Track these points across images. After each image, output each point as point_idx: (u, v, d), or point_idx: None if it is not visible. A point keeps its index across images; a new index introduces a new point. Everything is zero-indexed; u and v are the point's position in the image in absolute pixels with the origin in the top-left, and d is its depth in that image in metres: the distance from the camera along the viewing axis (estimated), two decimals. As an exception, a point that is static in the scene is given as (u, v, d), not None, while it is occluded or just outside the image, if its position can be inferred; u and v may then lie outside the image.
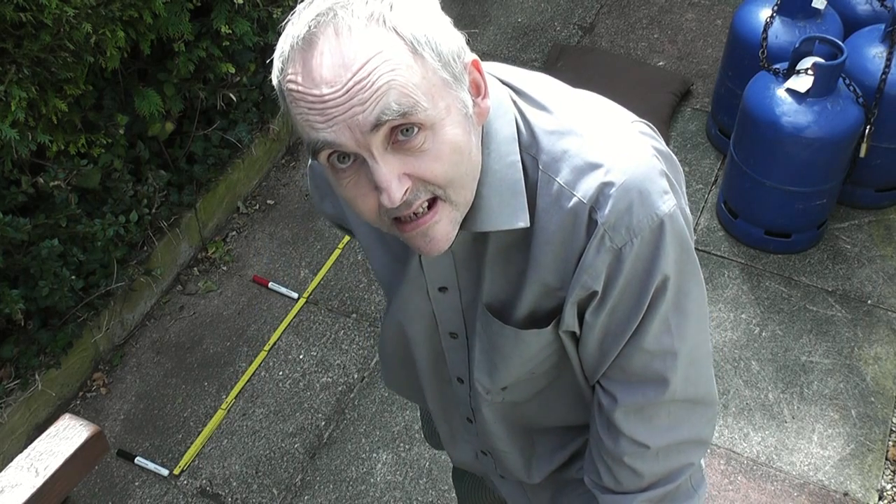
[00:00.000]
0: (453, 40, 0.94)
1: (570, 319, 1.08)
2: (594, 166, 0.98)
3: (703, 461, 1.21)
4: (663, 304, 1.04)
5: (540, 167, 1.00)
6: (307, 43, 0.89)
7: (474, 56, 0.97)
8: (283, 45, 0.92)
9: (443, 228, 0.97)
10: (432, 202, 0.96)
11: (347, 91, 0.88)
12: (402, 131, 0.91)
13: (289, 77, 0.91)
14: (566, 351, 1.15)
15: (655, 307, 1.04)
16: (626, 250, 0.99)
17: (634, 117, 1.07)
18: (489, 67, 1.05)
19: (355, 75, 0.87)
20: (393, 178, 0.91)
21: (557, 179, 1.00)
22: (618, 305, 1.04)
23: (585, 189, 0.98)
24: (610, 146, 0.99)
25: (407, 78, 0.89)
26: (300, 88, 0.90)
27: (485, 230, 1.02)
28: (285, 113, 0.96)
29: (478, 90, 0.98)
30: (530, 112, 1.02)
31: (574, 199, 0.99)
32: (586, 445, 1.26)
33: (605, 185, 0.97)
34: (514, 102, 1.03)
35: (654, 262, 1.00)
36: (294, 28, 0.91)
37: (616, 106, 1.08)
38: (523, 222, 1.00)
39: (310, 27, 0.89)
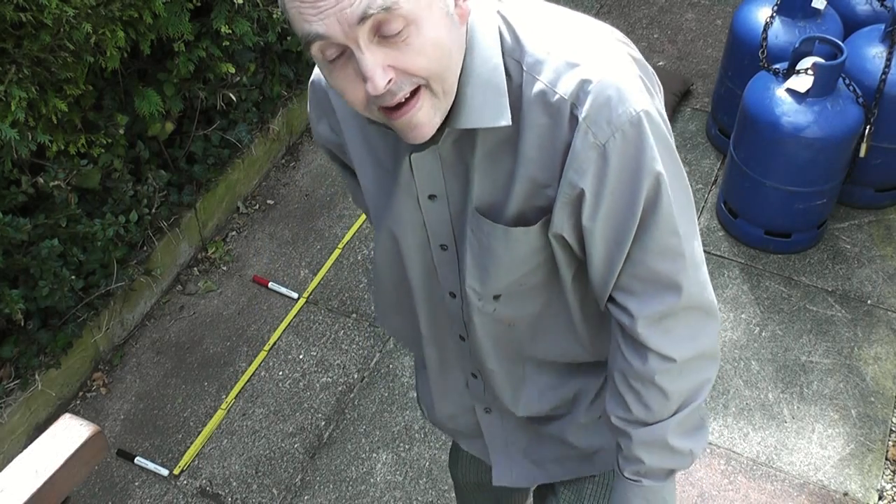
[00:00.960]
0: None
1: (559, 221, 1.10)
2: (574, 65, 1.04)
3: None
4: (663, 203, 1.07)
5: (524, 69, 1.06)
6: None
7: None
8: None
9: (426, 114, 1.03)
10: (415, 91, 1.01)
11: None
12: (388, 25, 0.97)
13: None
14: (557, 263, 1.18)
15: (656, 207, 1.07)
16: (609, 146, 1.03)
17: (613, 29, 1.14)
18: None
19: None
20: (377, 67, 0.97)
21: (540, 79, 1.05)
22: (613, 207, 1.07)
23: (566, 86, 1.03)
24: (589, 49, 1.06)
25: None
26: None
27: (468, 127, 1.07)
28: (282, 10, 1.01)
29: (460, 13, 1.03)
30: (514, 19, 1.08)
31: (556, 97, 1.04)
32: (572, 404, 1.34)
33: (584, 82, 1.03)
34: (499, 12, 1.08)
35: (640, 158, 1.04)
36: None
37: (596, 21, 1.14)
38: (505, 121, 1.05)
39: None
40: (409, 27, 0.98)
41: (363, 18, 0.95)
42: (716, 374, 1.23)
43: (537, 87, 1.05)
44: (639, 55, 1.11)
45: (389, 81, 0.98)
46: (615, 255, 1.11)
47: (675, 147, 1.10)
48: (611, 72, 1.04)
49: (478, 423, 1.48)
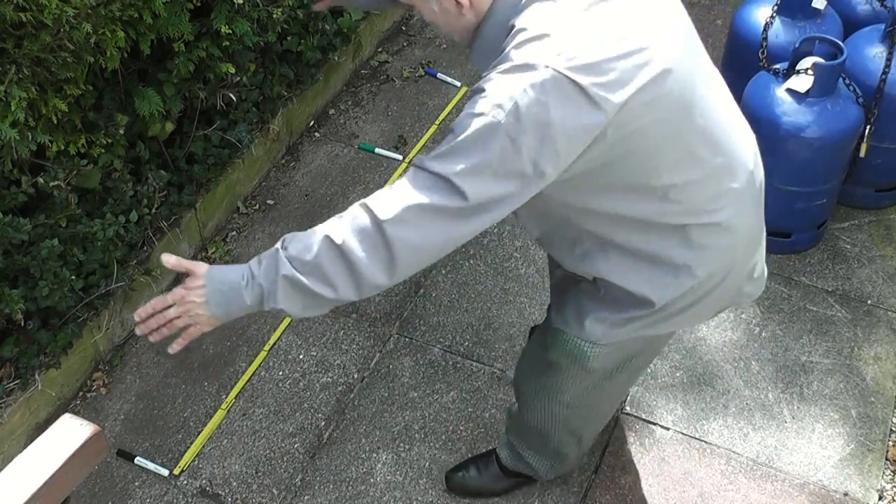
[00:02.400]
0: None
1: None
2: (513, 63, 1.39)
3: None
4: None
5: (508, 41, 1.43)
6: None
7: None
8: None
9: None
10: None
11: None
12: None
13: None
14: None
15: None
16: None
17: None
18: None
19: None
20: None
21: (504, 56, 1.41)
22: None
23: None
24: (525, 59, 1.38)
25: None
26: None
27: (474, 67, 1.54)
28: None
29: (458, 6, 1.46)
30: (531, 20, 1.41)
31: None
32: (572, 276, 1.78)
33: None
34: (525, 5, 1.43)
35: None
36: None
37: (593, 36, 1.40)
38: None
39: None
40: (416, 9, 1.52)
41: None
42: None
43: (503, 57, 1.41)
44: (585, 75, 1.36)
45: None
46: None
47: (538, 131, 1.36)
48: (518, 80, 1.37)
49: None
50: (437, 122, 3.42)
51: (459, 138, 1.36)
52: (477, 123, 1.35)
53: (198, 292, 1.53)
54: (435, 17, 1.50)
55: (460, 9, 1.45)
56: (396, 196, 1.42)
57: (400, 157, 3.30)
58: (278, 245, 1.51)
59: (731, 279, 1.69)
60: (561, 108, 1.34)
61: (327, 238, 1.45)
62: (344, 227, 1.44)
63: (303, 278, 1.45)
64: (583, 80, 1.34)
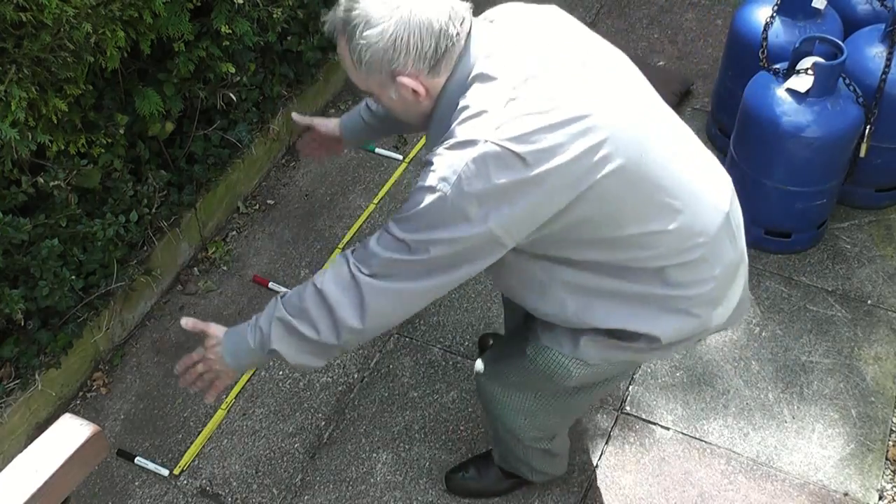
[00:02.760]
0: (382, 66, 1.53)
1: None
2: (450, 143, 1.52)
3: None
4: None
5: (451, 123, 1.55)
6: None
7: (404, 79, 1.54)
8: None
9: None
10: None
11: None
12: None
13: None
14: None
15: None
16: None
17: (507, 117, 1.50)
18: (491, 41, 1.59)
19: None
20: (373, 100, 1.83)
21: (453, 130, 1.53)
22: None
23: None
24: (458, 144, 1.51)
25: (351, 72, 1.59)
26: None
27: (428, 148, 1.60)
28: None
29: (415, 95, 1.56)
30: (473, 98, 1.53)
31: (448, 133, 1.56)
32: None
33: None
34: (470, 84, 1.55)
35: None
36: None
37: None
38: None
39: (330, 24, 1.59)
40: (375, 95, 1.62)
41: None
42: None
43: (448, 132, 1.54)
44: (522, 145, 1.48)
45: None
46: None
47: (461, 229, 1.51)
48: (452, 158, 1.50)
49: None
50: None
51: (412, 211, 1.51)
52: (428, 197, 1.49)
53: (215, 350, 1.76)
54: (392, 104, 1.61)
55: (417, 97, 1.57)
56: (370, 249, 1.58)
57: (400, 157, 3.30)
58: (278, 294, 1.71)
59: (720, 310, 1.75)
60: (502, 176, 1.46)
61: (313, 284, 1.63)
62: (327, 274, 1.62)
63: (292, 320, 1.64)
64: (521, 149, 1.46)
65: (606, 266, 1.64)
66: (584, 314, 1.70)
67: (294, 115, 2.01)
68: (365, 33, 1.50)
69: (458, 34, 1.54)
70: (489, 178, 1.47)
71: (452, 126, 1.52)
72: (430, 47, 1.52)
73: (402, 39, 1.51)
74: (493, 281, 1.80)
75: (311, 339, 1.64)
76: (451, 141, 1.50)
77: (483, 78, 1.53)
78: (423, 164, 1.54)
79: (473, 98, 1.52)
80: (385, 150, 3.32)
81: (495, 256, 1.57)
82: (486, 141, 1.47)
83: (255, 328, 1.69)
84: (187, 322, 1.79)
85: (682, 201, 1.62)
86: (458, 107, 1.54)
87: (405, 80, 1.54)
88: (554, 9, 1.70)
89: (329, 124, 2.16)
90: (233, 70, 2.80)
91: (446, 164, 1.49)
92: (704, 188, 1.68)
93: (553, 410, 1.99)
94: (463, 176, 1.47)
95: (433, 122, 1.61)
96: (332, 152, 2.27)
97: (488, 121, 1.49)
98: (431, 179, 1.49)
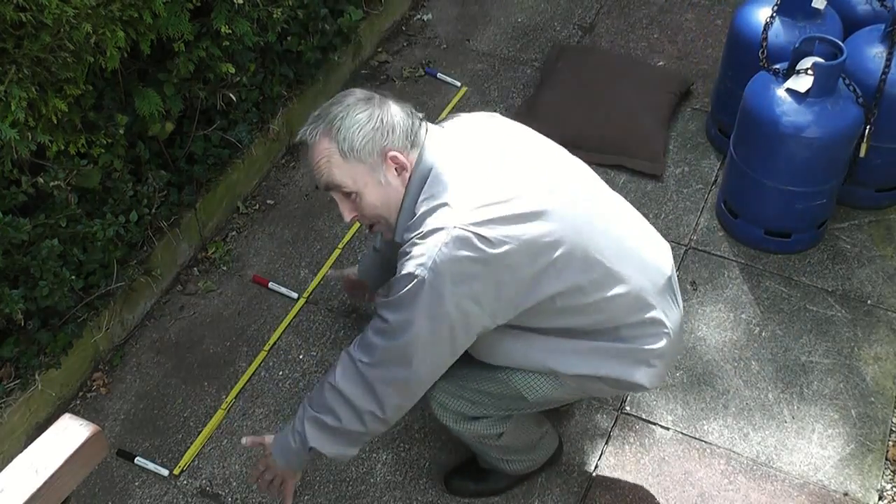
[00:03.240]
0: (376, 146, 1.78)
1: None
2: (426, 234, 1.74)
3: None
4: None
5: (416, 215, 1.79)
6: (303, 137, 1.84)
7: (393, 153, 1.79)
8: (301, 134, 1.85)
9: (384, 233, 1.92)
10: (372, 225, 1.92)
11: (316, 170, 1.83)
12: (343, 194, 1.84)
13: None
14: None
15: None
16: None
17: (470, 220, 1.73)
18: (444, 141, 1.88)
19: (314, 167, 1.83)
20: (345, 211, 1.87)
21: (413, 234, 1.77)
22: None
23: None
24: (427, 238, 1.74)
25: (336, 171, 1.80)
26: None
27: (398, 240, 1.84)
28: None
29: (400, 168, 1.80)
30: (437, 190, 1.78)
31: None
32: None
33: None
34: (432, 176, 1.79)
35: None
36: (307, 123, 1.84)
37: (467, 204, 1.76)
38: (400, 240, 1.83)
39: (306, 126, 1.83)
40: (356, 195, 1.82)
41: (327, 189, 1.85)
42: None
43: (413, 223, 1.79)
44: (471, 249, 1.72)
45: (354, 217, 1.87)
46: None
47: (442, 305, 1.72)
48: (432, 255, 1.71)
49: None
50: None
51: (395, 296, 1.74)
52: (407, 282, 1.71)
53: (270, 458, 2.01)
54: (375, 196, 1.81)
55: (402, 175, 1.80)
56: (367, 339, 1.82)
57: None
58: (305, 398, 1.96)
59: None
60: (471, 256, 1.69)
61: (329, 384, 1.87)
62: (337, 372, 1.86)
63: (320, 416, 1.88)
64: (485, 231, 1.70)
65: (572, 331, 1.89)
66: (554, 364, 1.93)
67: (330, 272, 2.22)
68: (355, 117, 1.76)
69: (420, 119, 1.84)
70: (459, 259, 1.68)
71: (420, 217, 1.75)
72: (408, 124, 1.80)
73: (387, 119, 1.78)
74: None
75: (340, 430, 1.88)
76: (423, 230, 1.72)
77: (444, 172, 1.78)
78: (401, 255, 1.76)
79: (437, 190, 1.76)
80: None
81: (474, 332, 1.79)
82: (455, 227, 1.69)
83: (294, 432, 1.93)
84: (246, 441, 2.07)
85: (632, 268, 1.88)
86: (422, 198, 1.77)
87: (396, 154, 1.79)
88: (496, 114, 2.03)
89: (354, 271, 2.61)
90: (233, 70, 2.80)
91: (421, 252, 1.70)
92: (648, 255, 1.96)
93: (486, 410, 2.10)
94: (437, 259, 1.68)
95: (402, 213, 1.82)
96: (365, 291, 2.63)
97: (454, 210, 1.72)
98: (410, 267, 1.71)
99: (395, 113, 1.80)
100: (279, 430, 2.02)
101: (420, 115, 1.87)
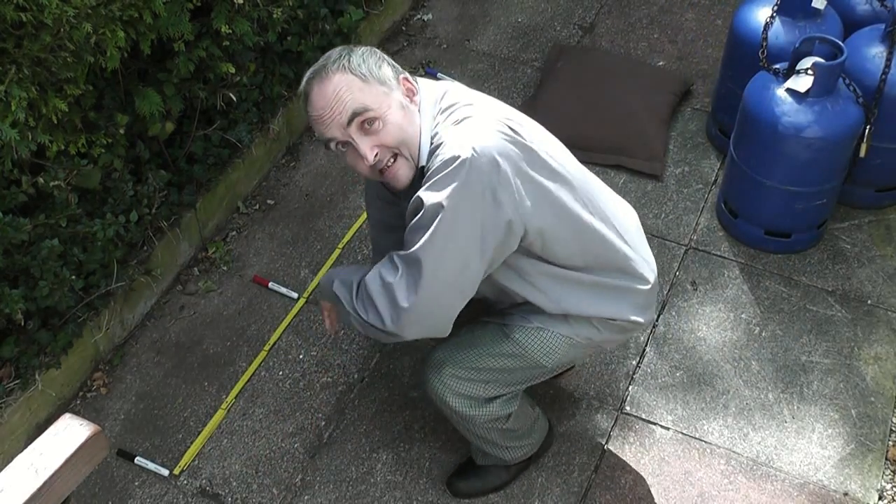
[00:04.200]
0: (388, 70, 1.82)
1: None
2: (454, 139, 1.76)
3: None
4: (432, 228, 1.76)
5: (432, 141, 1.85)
6: (309, 87, 1.81)
7: (405, 74, 1.87)
8: (304, 87, 1.83)
9: (403, 173, 1.85)
10: (395, 157, 1.83)
11: (331, 109, 1.78)
12: (367, 122, 1.78)
13: (305, 106, 1.84)
14: None
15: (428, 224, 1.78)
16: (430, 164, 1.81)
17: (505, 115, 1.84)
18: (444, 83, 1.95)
19: (333, 102, 1.77)
20: (367, 148, 1.80)
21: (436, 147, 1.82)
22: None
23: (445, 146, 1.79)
24: (464, 131, 1.77)
25: (359, 95, 1.77)
26: (311, 112, 1.82)
27: (423, 165, 1.85)
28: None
29: (410, 92, 1.86)
30: (457, 98, 1.86)
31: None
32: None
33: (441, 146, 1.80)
34: (444, 96, 1.87)
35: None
36: (305, 78, 1.82)
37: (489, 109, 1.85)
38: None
39: (309, 78, 1.81)
40: (379, 121, 1.78)
41: (350, 120, 1.78)
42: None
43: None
44: (516, 126, 1.81)
45: (376, 155, 1.81)
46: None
47: (484, 191, 1.73)
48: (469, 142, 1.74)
49: None
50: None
51: (439, 175, 1.74)
52: (451, 164, 1.71)
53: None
54: (397, 116, 1.81)
55: (413, 98, 1.85)
56: (406, 236, 1.83)
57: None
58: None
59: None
60: (505, 140, 1.75)
61: (373, 277, 1.86)
62: (381, 267, 1.87)
63: (356, 302, 1.90)
64: (515, 126, 1.79)
65: (575, 266, 1.95)
66: (563, 301, 1.97)
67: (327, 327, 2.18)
68: (360, 53, 1.80)
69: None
70: (498, 140, 1.72)
71: (445, 126, 1.79)
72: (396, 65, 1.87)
73: (382, 54, 1.85)
74: (482, 285, 1.90)
75: (360, 320, 1.88)
76: (456, 118, 1.77)
77: (457, 94, 1.86)
78: (435, 148, 1.79)
79: (455, 105, 1.82)
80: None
81: (503, 232, 1.76)
82: (489, 118, 1.76)
83: (341, 285, 1.93)
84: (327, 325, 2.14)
85: (617, 219, 2.04)
86: (440, 110, 1.84)
87: (407, 76, 1.86)
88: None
89: None
90: (233, 70, 2.80)
91: (459, 137, 1.73)
92: (623, 215, 2.09)
93: (500, 388, 2.11)
94: (476, 141, 1.71)
95: (422, 134, 1.83)
96: None
97: (482, 112, 1.78)
98: (449, 151, 1.72)
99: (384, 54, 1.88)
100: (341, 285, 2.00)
101: None
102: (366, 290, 1.83)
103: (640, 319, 2.06)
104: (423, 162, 1.82)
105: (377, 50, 1.85)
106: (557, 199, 1.83)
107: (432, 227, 1.72)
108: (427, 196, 1.73)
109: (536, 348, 2.02)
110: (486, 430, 2.17)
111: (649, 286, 2.07)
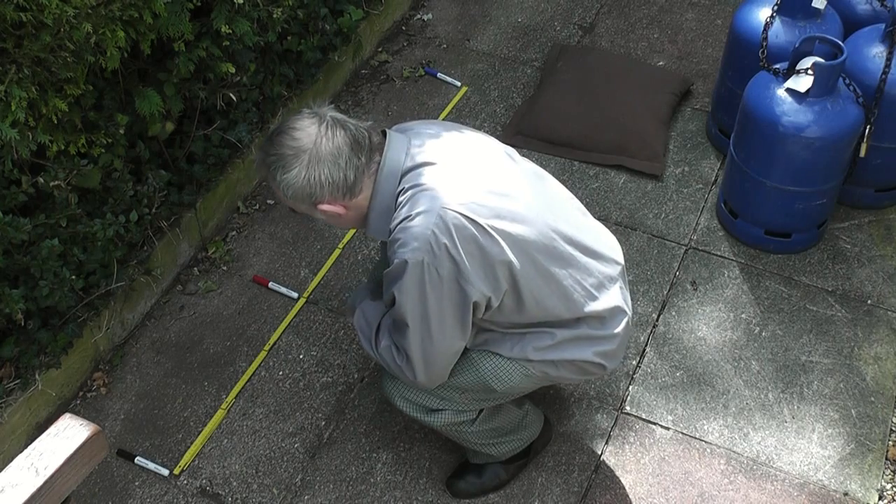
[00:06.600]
0: (304, 198, 1.86)
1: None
2: (411, 217, 1.83)
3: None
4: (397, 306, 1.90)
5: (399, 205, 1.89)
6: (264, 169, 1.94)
7: (324, 206, 1.88)
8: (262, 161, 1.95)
9: (371, 233, 1.96)
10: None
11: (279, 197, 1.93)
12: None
13: None
14: None
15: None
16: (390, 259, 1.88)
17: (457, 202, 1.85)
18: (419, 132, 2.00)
19: (276, 192, 1.91)
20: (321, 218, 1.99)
21: (396, 222, 1.88)
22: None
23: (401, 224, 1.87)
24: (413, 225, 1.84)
25: (283, 199, 1.90)
26: None
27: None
28: None
29: (339, 215, 1.91)
30: (417, 180, 1.87)
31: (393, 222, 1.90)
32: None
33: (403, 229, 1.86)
34: (406, 172, 1.88)
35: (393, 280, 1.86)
36: (263, 149, 1.91)
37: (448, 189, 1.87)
38: (386, 237, 1.92)
39: (262, 158, 1.90)
40: (315, 214, 1.92)
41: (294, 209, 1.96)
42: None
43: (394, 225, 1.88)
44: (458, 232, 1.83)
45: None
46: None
47: (442, 284, 1.83)
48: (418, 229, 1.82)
49: None
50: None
51: (396, 283, 1.84)
52: (405, 266, 1.80)
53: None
54: (325, 220, 1.94)
55: (341, 216, 1.91)
56: (390, 324, 1.99)
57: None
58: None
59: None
60: (461, 234, 1.80)
61: (378, 345, 2.04)
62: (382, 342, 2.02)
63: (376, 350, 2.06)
64: (470, 213, 1.81)
65: (548, 322, 2.00)
66: (524, 349, 2.02)
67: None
68: (283, 177, 1.82)
69: (365, 161, 1.85)
70: (452, 237, 1.78)
71: (403, 205, 1.83)
72: (340, 179, 1.83)
73: (314, 178, 1.82)
74: None
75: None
76: (412, 213, 1.81)
77: (421, 165, 1.86)
78: (391, 243, 1.85)
79: (417, 180, 1.84)
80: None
81: (471, 307, 1.86)
82: (443, 208, 1.79)
83: (358, 313, 2.12)
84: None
85: (592, 257, 2.03)
86: (402, 188, 1.85)
87: (325, 206, 1.88)
88: (446, 122, 2.12)
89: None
90: (233, 70, 2.80)
91: (414, 235, 1.79)
92: (604, 246, 2.09)
93: (448, 405, 2.15)
94: (431, 240, 1.78)
95: (372, 215, 1.91)
96: None
97: (439, 194, 1.81)
98: (403, 253, 1.80)
99: (327, 167, 1.82)
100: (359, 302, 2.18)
101: (364, 147, 1.86)
102: (381, 357, 2.03)
103: (605, 364, 2.07)
104: (373, 233, 1.96)
105: (311, 167, 1.82)
106: (516, 275, 1.87)
107: (409, 328, 1.87)
108: (396, 294, 1.86)
109: (488, 370, 2.04)
110: (455, 434, 2.20)
111: (617, 337, 2.06)
